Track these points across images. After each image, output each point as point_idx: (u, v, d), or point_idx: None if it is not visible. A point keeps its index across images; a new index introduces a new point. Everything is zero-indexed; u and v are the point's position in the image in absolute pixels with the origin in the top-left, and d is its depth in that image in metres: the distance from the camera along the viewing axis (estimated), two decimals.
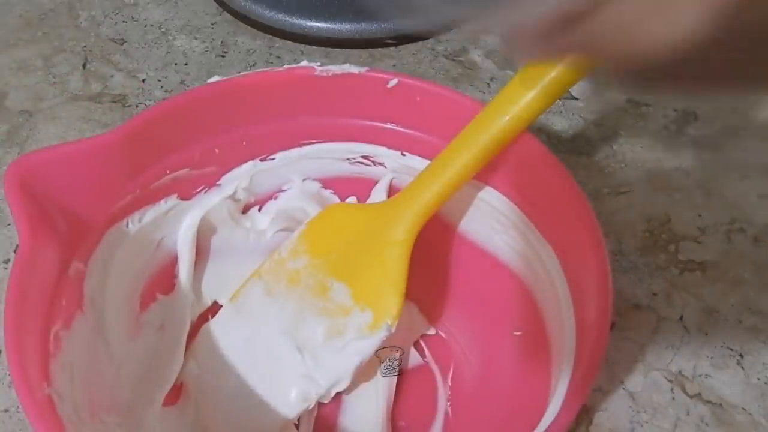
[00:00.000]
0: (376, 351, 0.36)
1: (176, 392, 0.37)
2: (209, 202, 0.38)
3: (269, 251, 0.39)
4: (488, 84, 0.52)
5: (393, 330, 0.35)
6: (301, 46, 0.54)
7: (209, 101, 0.36)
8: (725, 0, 0.15)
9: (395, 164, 0.38)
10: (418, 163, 0.37)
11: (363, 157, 0.39)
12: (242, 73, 0.37)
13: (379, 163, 0.39)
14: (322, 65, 0.36)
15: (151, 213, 0.36)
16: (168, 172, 0.36)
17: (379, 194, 0.39)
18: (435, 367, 0.40)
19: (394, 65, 0.52)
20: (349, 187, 0.40)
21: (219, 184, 0.38)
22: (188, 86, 0.51)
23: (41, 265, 0.30)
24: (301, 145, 0.39)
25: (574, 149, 0.47)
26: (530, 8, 0.17)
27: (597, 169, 0.46)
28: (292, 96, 0.37)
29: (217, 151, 0.37)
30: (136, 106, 0.50)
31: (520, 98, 0.32)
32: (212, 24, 0.55)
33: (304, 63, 0.37)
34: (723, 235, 0.43)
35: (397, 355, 0.39)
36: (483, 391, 0.38)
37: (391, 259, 0.35)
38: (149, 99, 0.50)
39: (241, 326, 0.38)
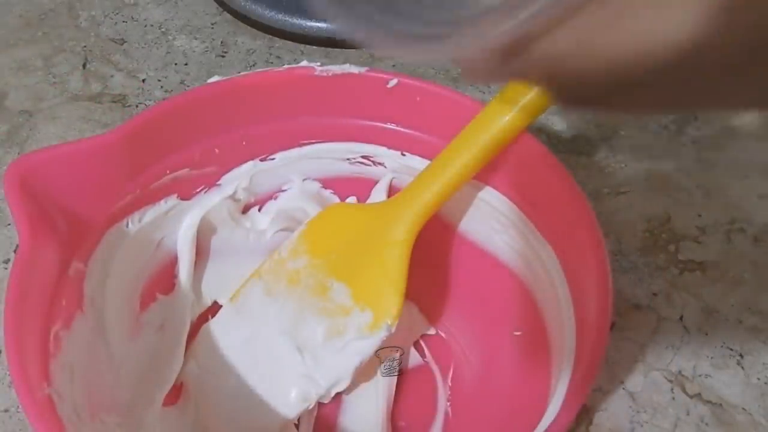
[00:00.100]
0: (376, 351, 0.36)
1: (176, 392, 0.37)
2: (209, 202, 0.38)
3: (269, 251, 0.39)
4: (488, 84, 0.52)
5: (393, 330, 0.35)
6: (301, 46, 0.54)
7: (209, 101, 0.36)
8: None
9: (395, 164, 0.38)
10: (418, 163, 0.37)
11: (363, 157, 0.39)
12: (242, 73, 0.37)
13: (379, 163, 0.39)
14: (322, 65, 0.36)
15: (151, 213, 0.36)
16: (168, 172, 0.36)
17: (379, 194, 0.39)
18: (435, 367, 0.40)
19: (394, 65, 0.52)
20: (349, 187, 0.40)
21: (219, 184, 0.38)
22: (188, 86, 0.51)
23: (41, 265, 0.30)
24: (301, 145, 0.39)
25: (574, 149, 0.47)
26: (478, 37, 0.17)
27: (597, 169, 0.46)
28: (292, 96, 0.37)
29: (217, 151, 0.37)
30: (136, 106, 0.50)
31: (521, 97, 0.32)
32: (212, 24, 0.55)
33: (304, 63, 0.37)
34: (723, 235, 0.43)
35: (397, 355, 0.39)
36: (483, 391, 0.38)
37: (391, 259, 0.35)
38: (149, 99, 0.50)
39: (241, 326, 0.38)
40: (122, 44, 0.54)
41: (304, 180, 0.40)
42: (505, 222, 0.36)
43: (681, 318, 0.40)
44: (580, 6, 0.16)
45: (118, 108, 0.49)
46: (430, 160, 0.36)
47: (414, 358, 0.40)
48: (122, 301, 0.36)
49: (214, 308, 0.39)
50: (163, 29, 0.55)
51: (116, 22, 0.55)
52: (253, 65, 0.53)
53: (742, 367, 0.38)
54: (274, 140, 0.38)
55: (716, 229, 0.44)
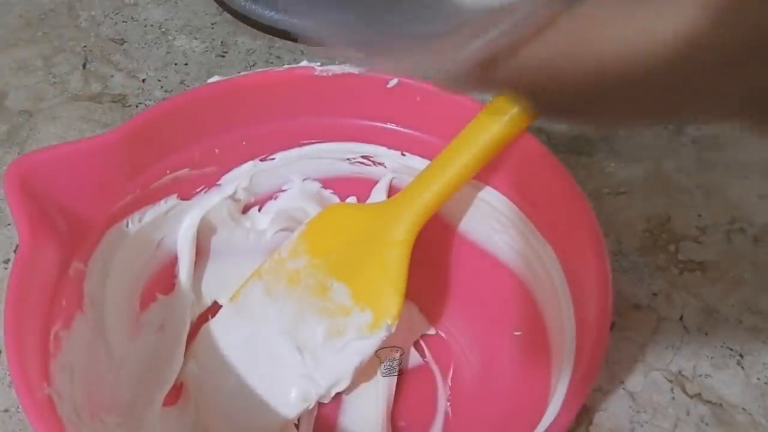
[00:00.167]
0: (376, 351, 0.36)
1: (176, 392, 0.37)
2: (209, 202, 0.38)
3: (269, 251, 0.39)
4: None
5: (393, 330, 0.35)
6: (301, 46, 0.54)
7: (209, 101, 0.36)
8: None
9: (395, 164, 0.38)
10: (418, 163, 0.37)
11: (363, 157, 0.39)
12: (242, 73, 0.37)
13: (379, 163, 0.39)
14: (322, 65, 0.36)
15: (151, 213, 0.36)
16: (168, 172, 0.36)
17: (379, 194, 0.39)
18: (435, 367, 0.40)
19: None
20: (349, 187, 0.40)
21: (219, 184, 0.38)
22: (188, 86, 0.51)
23: (41, 265, 0.30)
24: (301, 145, 0.39)
25: (574, 149, 0.47)
26: (453, 51, 0.17)
27: (597, 169, 0.46)
28: (292, 96, 0.37)
29: (217, 151, 0.37)
30: (136, 106, 0.50)
31: None
32: (212, 24, 0.55)
33: (304, 63, 0.37)
34: (723, 235, 0.43)
35: (397, 355, 0.39)
36: (483, 391, 0.38)
37: (391, 259, 0.35)
38: (149, 99, 0.50)
39: (241, 326, 0.38)
40: (122, 44, 0.54)
41: (304, 180, 0.40)
42: (505, 222, 0.36)
43: (681, 318, 0.40)
44: (554, 18, 0.16)
45: (118, 108, 0.49)
46: (430, 160, 0.36)
47: (414, 358, 0.40)
48: (122, 301, 0.36)
49: (214, 308, 0.39)
50: (163, 29, 0.55)
51: (116, 22, 0.55)
52: (253, 65, 0.53)
53: (742, 367, 0.38)
54: (274, 140, 0.38)
55: (716, 229, 0.44)
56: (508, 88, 0.18)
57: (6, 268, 0.42)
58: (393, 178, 0.39)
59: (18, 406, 0.37)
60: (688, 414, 0.37)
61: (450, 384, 0.39)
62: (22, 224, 0.30)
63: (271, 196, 0.40)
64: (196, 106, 0.36)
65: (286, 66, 0.37)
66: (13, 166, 0.31)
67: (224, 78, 0.37)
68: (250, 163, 0.38)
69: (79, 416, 0.30)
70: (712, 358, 0.39)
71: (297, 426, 0.37)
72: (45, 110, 0.49)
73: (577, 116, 0.19)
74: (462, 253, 0.39)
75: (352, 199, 0.40)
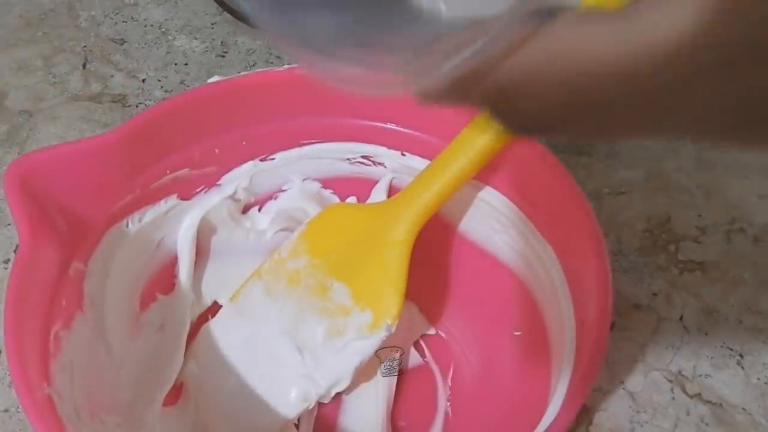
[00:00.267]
0: (376, 351, 0.36)
1: (176, 392, 0.37)
2: (209, 202, 0.38)
3: (269, 251, 0.39)
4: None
5: (393, 330, 0.35)
6: None
7: (209, 101, 0.36)
8: None
9: (395, 164, 0.38)
10: (418, 163, 0.37)
11: (363, 157, 0.39)
12: (242, 73, 0.37)
13: (379, 163, 0.39)
14: None
15: (151, 213, 0.36)
16: (168, 172, 0.36)
17: (379, 194, 0.39)
18: (435, 367, 0.40)
19: None
20: (349, 187, 0.40)
21: (219, 184, 0.38)
22: (188, 86, 0.51)
23: (41, 265, 0.30)
24: (301, 145, 0.39)
25: (574, 149, 0.47)
26: (426, 70, 0.17)
27: (597, 169, 0.46)
28: (292, 96, 0.37)
29: (217, 151, 0.37)
30: (136, 106, 0.50)
31: None
32: (212, 24, 0.55)
33: None
34: (723, 235, 0.43)
35: (397, 355, 0.39)
36: (483, 391, 0.38)
37: (391, 259, 0.35)
38: (149, 99, 0.50)
39: (241, 326, 0.38)
40: (122, 44, 0.54)
41: (304, 180, 0.40)
42: (505, 222, 0.36)
43: (681, 318, 0.40)
44: (527, 37, 0.16)
45: (118, 108, 0.49)
46: (430, 160, 0.36)
47: (414, 358, 0.40)
48: (122, 301, 0.36)
49: (214, 308, 0.39)
50: (163, 29, 0.55)
51: (116, 22, 0.55)
52: (253, 65, 0.53)
53: (742, 367, 0.38)
54: (274, 140, 0.38)
55: (716, 229, 0.44)
56: (484, 106, 0.18)
57: (6, 268, 0.42)
58: (393, 178, 0.39)
59: (18, 406, 0.37)
60: (688, 414, 0.37)
61: (450, 384, 0.39)
62: (22, 224, 0.30)
63: (271, 196, 0.40)
64: (196, 106, 0.36)
65: (286, 66, 0.37)
66: (13, 166, 0.31)
67: (224, 78, 0.37)
68: (250, 163, 0.38)
69: (79, 416, 0.30)
70: (712, 358, 0.39)
71: (297, 426, 0.37)
72: (45, 110, 0.49)
73: (553, 133, 0.19)
74: (462, 253, 0.39)
75: (352, 199, 0.40)
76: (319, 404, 0.37)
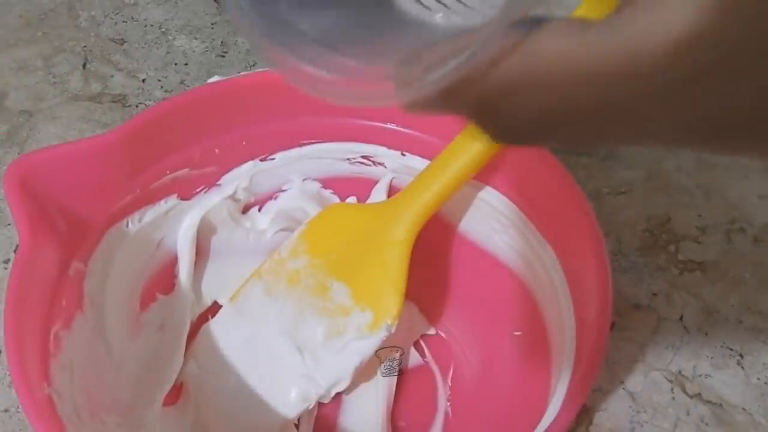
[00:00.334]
0: (376, 351, 0.36)
1: (176, 392, 0.37)
2: (209, 202, 0.38)
3: (269, 251, 0.39)
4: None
5: (393, 330, 0.35)
6: None
7: (209, 101, 0.36)
8: None
9: (395, 164, 0.38)
10: (418, 163, 0.37)
11: (363, 157, 0.39)
12: (242, 73, 0.37)
13: (379, 163, 0.39)
14: None
15: (151, 213, 0.36)
16: (168, 172, 0.36)
17: (379, 194, 0.39)
18: (435, 367, 0.40)
19: None
20: (349, 187, 0.40)
21: (219, 184, 0.38)
22: (188, 86, 0.51)
23: (41, 265, 0.30)
24: (301, 145, 0.39)
25: (574, 149, 0.47)
26: (412, 82, 0.17)
27: (597, 169, 0.46)
28: (292, 96, 0.37)
29: (217, 151, 0.37)
30: (136, 106, 0.50)
31: None
32: (212, 24, 0.55)
33: None
34: (723, 235, 0.43)
35: (397, 355, 0.39)
36: (483, 391, 0.38)
37: (391, 259, 0.35)
38: (149, 99, 0.50)
39: (241, 326, 0.38)
40: (122, 44, 0.54)
41: (304, 180, 0.40)
42: (505, 222, 0.36)
43: (681, 318, 0.40)
44: (512, 47, 0.16)
45: (118, 108, 0.49)
46: (430, 160, 0.36)
47: (414, 358, 0.40)
48: (122, 301, 0.36)
49: (214, 308, 0.39)
50: (163, 29, 0.55)
51: (116, 22, 0.55)
52: (253, 65, 0.53)
53: (742, 367, 0.38)
54: (274, 140, 0.38)
55: (716, 229, 0.44)
56: (469, 116, 0.18)
57: (6, 268, 0.42)
58: (393, 178, 0.39)
59: (18, 406, 0.37)
60: (688, 414, 0.37)
61: (450, 384, 0.39)
62: (22, 224, 0.30)
63: (271, 196, 0.40)
64: (196, 106, 0.36)
65: None
66: (13, 166, 0.31)
67: (224, 78, 0.37)
68: (250, 163, 0.38)
69: (79, 416, 0.30)
70: (712, 358, 0.39)
71: (297, 426, 0.37)
72: (45, 110, 0.49)
73: (539, 142, 0.19)
74: (462, 253, 0.39)
75: (352, 199, 0.40)
76: (319, 404, 0.37)
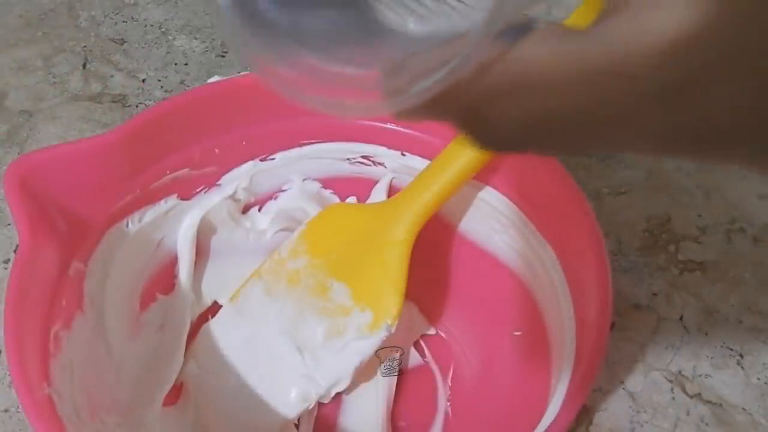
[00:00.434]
0: (376, 351, 0.36)
1: (176, 392, 0.37)
2: (209, 202, 0.38)
3: (269, 251, 0.39)
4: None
5: (393, 330, 0.35)
6: None
7: (209, 101, 0.36)
8: None
9: (395, 164, 0.38)
10: (418, 163, 0.37)
11: (363, 157, 0.39)
12: (242, 73, 0.37)
13: (379, 163, 0.39)
14: None
15: (151, 213, 0.36)
16: (168, 172, 0.36)
17: (379, 194, 0.39)
18: (435, 367, 0.40)
19: None
20: (349, 187, 0.40)
21: (219, 184, 0.38)
22: (188, 86, 0.51)
23: (41, 265, 0.30)
24: (301, 145, 0.39)
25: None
26: (398, 91, 0.17)
27: (597, 169, 0.46)
28: None
29: (217, 151, 0.37)
30: (136, 106, 0.50)
31: None
32: (212, 24, 0.55)
33: None
34: (723, 235, 0.43)
35: (397, 355, 0.39)
36: (483, 391, 0.38)
37: (391, 259, 0.35)
38: (149, 99, 0.50)
39: (241, 326, 0.38)
40: (122, 44, 0.54)
41: (304, 180, 0.40)
42: (505, 222, 0.36)
43: (681, 318, 0.40)
44: (498, 56, 0.16)
45: (118, 108, 0.49)
46: (430, 160, 0.36)
47: (414, 358, 0.40)
48: (122, 301, 0.36)
49: (214, 308, 0.39)
50: (163, 29, 0.55)
51: (116, 22, 0.55)
52: None
53: (742, 367, 0.38)
54: (274, 140, 0.38)
55: (716, 229, 0.44)
56: (455, 124, 0.18)
57: (6, 268, 0.42)
58: (393, 178, 0.39)
59: (18, 406, 0.37)
60: (688, 414, 0.37)
61: (450, 384, 0.39)
62: (22, 224, 0.30)
63: (271, 196, 0.40)
64: (196, 106, 0.36)
65: None
66: (13, 166, 0.31)
67: (224, 78, 0.37)
68: (250, 163, 0.38)
69: (79, 416, 0.30)
70: (712, 358, 0.39)
71: (297, 426, 0.37)
72: (45, 110, 0.49)
73: (526, 149, 0.19)
74: (462, 253, 0.39)
75: (352, 199, 0.40)
76: (319, 404, 0.37)
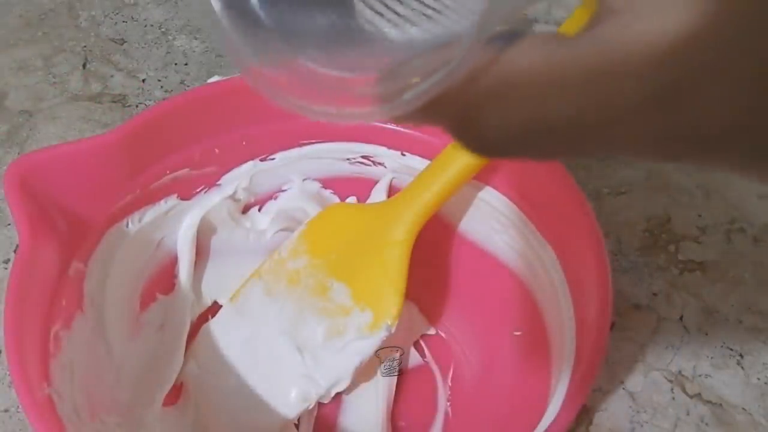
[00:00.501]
0: (376, 351, 0.36)
1: (176, 392, 0.37)
2: (209, 202, 0.38)
3: (269, 251, 0.39)
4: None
5: (393, 330, 0.35)
6: None
7: (209, 101, 0.36)
8: None
9: (395, 164, 0.38)
10: (418, 163, 0.37)
11: (363, 157, 0.39)
12: None
13: (379, 163, 0.39)
14: None
15: (151, 213, 0.36)
16: (168, 172, 0.36)
17: (379, 194, 0.39)
18: (435, 367, 0.40)
19: None
20: (349, 187, 0.40)
21: (219, 184, 0.38)
22: (188, 86, 0.51)
23: (41, 265, 0.30)
24: (301, 145, 0.39)
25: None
26: (388, 98, 0.17)
27: (597, 169, 0.46)
28: None
29: (217, 151, 0.37)
30: (136, 106, 0.50)
31: None
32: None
33: None
34: (723, 235, 0.43)
35: (397, 355, 0.39)
36: (483, 391, 0.38)
37: (391, 259, 0.35)
38: (149, 99, 0.50)
39: (241, 326, 0.38)
40: (122, 44, 0.54)
41: (304, 180, 0.40)
42: (505, 222, 0.36)
43: (681, 318, 0.40)
44: (488, 62, 0.16)
45: (118, 108, 0.49)
46: (430, 160, 0.36)
47: (414, 358, 0.40)
48: (122, 301, 0.36)
49: (214, 308, 0.39)
50: (163, 29, 0.55)
51: (116, 22, 0.55)
52: None
53: (742, 367, 0.38)
54: (274, 140, 0.38)
55: (716, 229, 0.44)
56: (446, 130, 0.18)
57: (6, 268, 0.42)
58: (393, 178, 0.39)
59: (18, 406, 0.37)
60: (688, 414, 0.37)
61: (450, 384, 0.39)
62: (22, 224, 0.30)
63: (271, 196, 0.40)
64: (196, 106, 0.36)
65: None
66: (13, 166, 0.31)
67: (224, 78, 0.37)
68: (250, 163, 0.38)
69: (79, 416, 0.30)
70: (712, 358, 0.39)
71: (297, 426, 0.37)
72: (45, 110, 0.49)
73: (518, 155, 0.19)
74: (462, 253, 0.39)
75: (352, 199, 0.40)
76: (319, 404, 0.37)
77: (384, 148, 0.38)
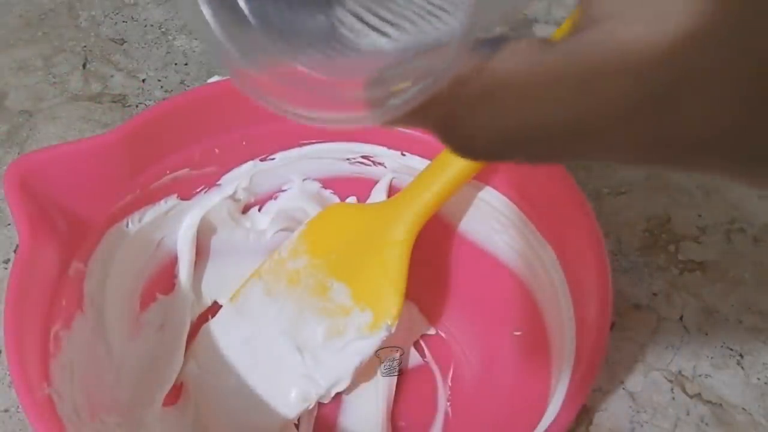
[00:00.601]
0: (376, 351, 0.36)
1: (176, 392, 0.37)
2: (209, 202, 0.38)
3: (269, 251, 0.39)
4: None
5: (393, 330, 0.35)
6: None
7: (209, 101, 0.36)
8: None
9: (395, 164, 0.38)
10: (418, 163, 0.37)
11: (363, 157, 0.39)
12: None
13: (379, 163, 0.39)
14: None
15: (151, 213, 0.36)
16: (168, 172, 0.36)
17: (379, 194, 0.39)
18: (435, 367, 0.40)
19: None
20: (349, 187, 0.40)
21: (219, 184, 0.38)
22: (188, 86, 0.51)
23: (41, 265, 0.30)
24: (301, 145, 0.39)
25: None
26: (377, 103, 0.17)
27: (597, 169, 0.46)
28: None
29: (217, 151, 0.37)
30: (136, 106, 0.50)
31: None
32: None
33: None
34: (723, 235, 0.43)
35: (397, 355, 0.39)
36: (483, 391, 0.38)
37: (391, 259, 0.35)
38: (149, 99, 0.50)
39: (241, 326, 0.38)
40: (122, 44, 0.54)
41: (304, 180, 0.40)
42: (505, 222, 0.36)
43: (681, 318, 0.40)
44: (475, 68, 0.16)
45: (118, 108, 0.49)
46: (430, 160, 0.36)
47: (414, 358, 0.40)
48: (122, 301, 0.36)
49: (214, 308, 0.39)
50: (163, 29, 0.55)
51: (116, 22, 0.55)
52: None
53: (742, 367, 0.38)
54: (274, 140, 0.38)
55: (716, 229, 0.44)
56: (434, 133, 0.18)
57: (6, 268, 0.42)
58: (393, 178, 0.39)
59: (18, 406, 0.37)
60: (688, 414, 0.37)
61: (450, 384, 0.39)
62: (22, 224, 0.30)
63: (271, 196, 0.40)
64: (196, 106, 0.36)
65: None
66: (13, 166, 0.31)
67: (224, 78, 0.37)
68: (250, 163, 0.38)
69: (79, 416, 0.30)
70: (712, 358, 0.39)
71: (297, 426, 0.37)
72: (45, 110, 0.49)
73: (505, 158, 0.19)
74: (462, 253, 0.39)
75: (352, 199, 0.40)
76: (319, 404, 0.37)
77: (384, 148, 0.38)
